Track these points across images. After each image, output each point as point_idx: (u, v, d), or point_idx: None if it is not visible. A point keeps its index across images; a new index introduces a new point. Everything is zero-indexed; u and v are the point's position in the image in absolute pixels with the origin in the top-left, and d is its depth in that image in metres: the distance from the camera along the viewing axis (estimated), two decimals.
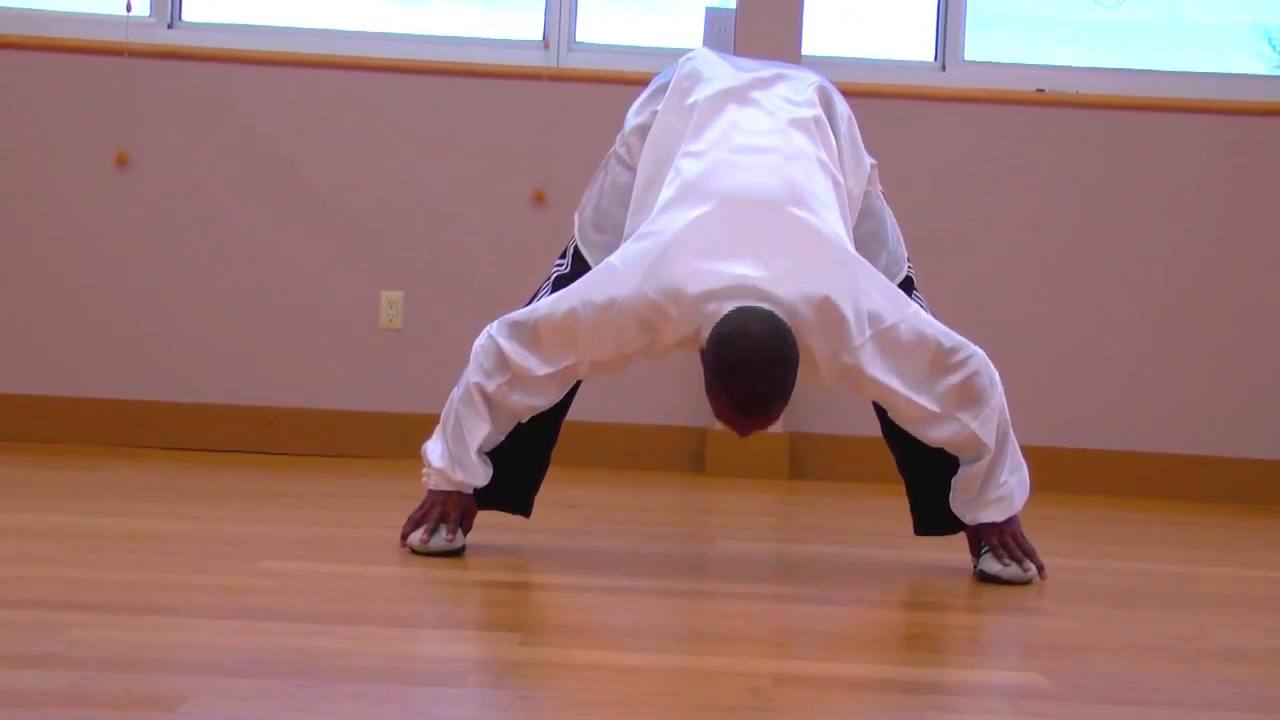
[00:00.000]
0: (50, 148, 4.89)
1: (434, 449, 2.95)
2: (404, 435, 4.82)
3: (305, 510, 3.65)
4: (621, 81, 4.50)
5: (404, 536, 2.95)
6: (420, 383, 4.86)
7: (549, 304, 2.85)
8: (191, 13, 5.07)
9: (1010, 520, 2.96)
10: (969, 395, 2.82)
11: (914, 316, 2.80)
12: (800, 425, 4.89)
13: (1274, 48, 5.64)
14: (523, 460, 3.02)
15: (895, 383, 2.78)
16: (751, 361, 2.62)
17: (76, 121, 4.89)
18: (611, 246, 2.95)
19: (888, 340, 2.76)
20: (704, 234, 2.74)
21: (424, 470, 2.97)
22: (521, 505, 3.11)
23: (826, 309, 2.70)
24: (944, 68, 5.08)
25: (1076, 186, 4.96)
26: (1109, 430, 4.93)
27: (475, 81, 4.93)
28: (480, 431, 2.90)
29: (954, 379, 2.80)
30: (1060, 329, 4.95)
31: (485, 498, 3.00)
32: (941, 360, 2.80)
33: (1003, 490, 2.92)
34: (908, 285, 3.07)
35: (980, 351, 2.84)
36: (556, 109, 4.86)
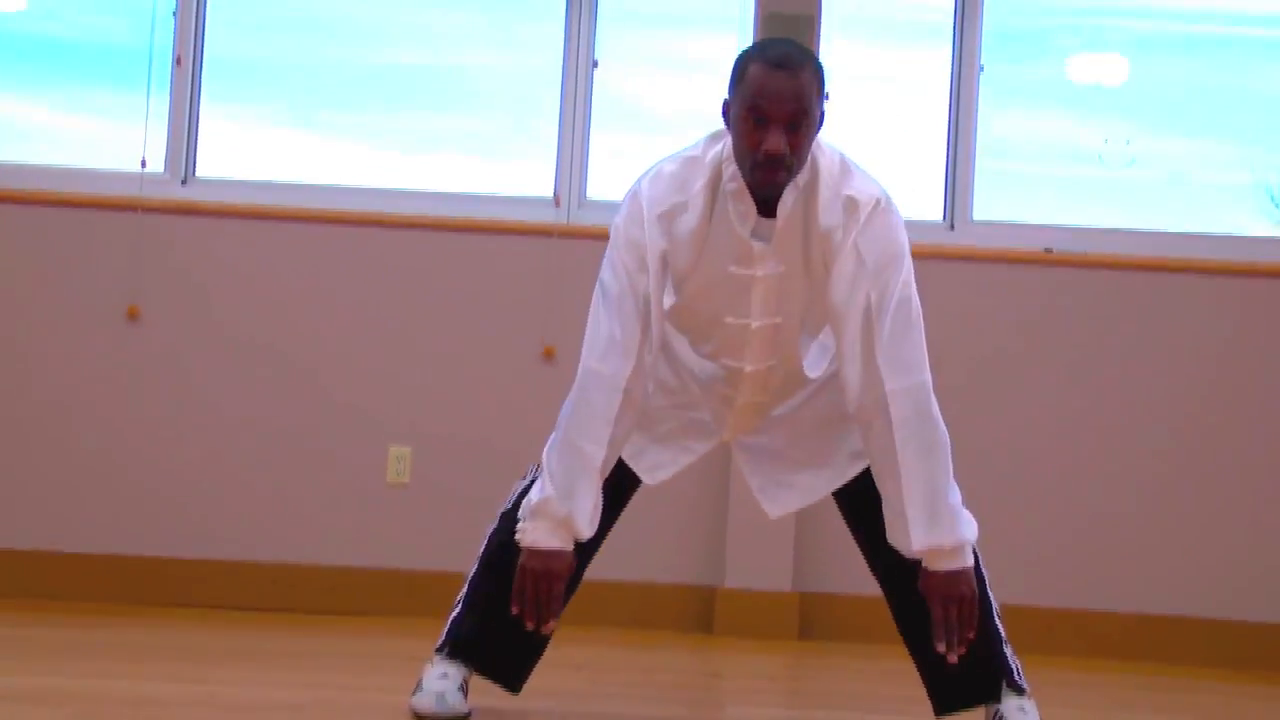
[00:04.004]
0: (62, 302, 4.91)
1: (535, 491, 2.85)
2: (411, 592, 4.79)
3: (309, 672, 3.60)
4: None
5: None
6: (428, 539, 4.82)
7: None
8: (205, 169, 5.12)
9: (965, 574, 2.82)
10: (900, 337, 2.81)
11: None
12: (809, 584, 4.83)
13: (1276, 204, 5.69)
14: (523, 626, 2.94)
15: (861, 264, 2.78)
16: (778, 40, 2.85)
17: (88, 276, 4.91)
18: None
19: (884, 221, 2.81)
20: None
21: (519, 525, 2.87)
22: (513, 678, 3.04)
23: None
24: (952, 227, 5.11)
25: (1085, 346, 4.96)
26: (1117, 591, 4.87)
27: (486, 237, 4.97)
28: (601, 433, 2.81)
29: (901, 313, 2.81)
30: (1067, 487, 4.91)
31: (476, 657, 2.95)
32: (901, 288, 2.81)
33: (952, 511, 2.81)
34: None
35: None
36: (566, 265, 4.89)
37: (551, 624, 2.82)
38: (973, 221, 5.11)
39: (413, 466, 4.90)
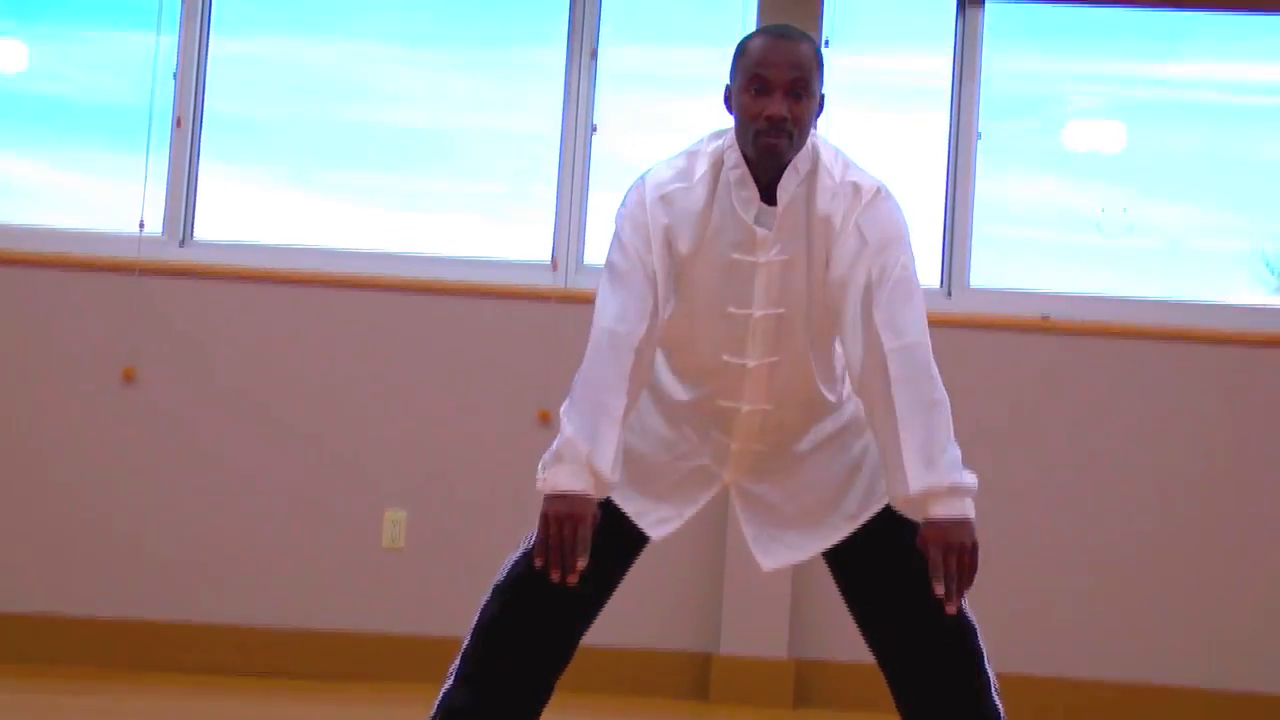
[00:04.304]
0: (58, 363, 4.90)
1: (554, 442, 2.76)
2: (405, 657, 4.76)
3: None
4: None
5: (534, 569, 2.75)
6: (423, 603, 4.80)
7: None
8: (204, 231, 5.13)
9: (966, 524, 2.70)
10: (900, 304, 2.75)
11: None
12: (805, 651, 4.81)
13: (1273, 272, 5.70)
14: (521, 686, 2.86)
15: (864, 242, 2.76)
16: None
17: (85, 337, 4.91)
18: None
19: (886, 205, 2.80)
20: None
21: (538, 476, 2.77)
22: None
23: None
24: (950, 294, 5.11)
25: (1082, 413, 4.95)
26: (1110, 659, 4.85)
27: (483, 301, 4.97)
28: (619, 386, 2.74)
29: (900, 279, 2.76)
30: (1064, 555, 4.89)
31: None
32: (902, 266, 2.77)
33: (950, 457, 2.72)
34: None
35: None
36: (564, 330, 4.89)
37: (581, 565, 2.66)
38: (970, 288, 5.12)
39: (408, 531, 4.88)
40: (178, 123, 5.08)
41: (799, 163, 2.81)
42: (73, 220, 5.17)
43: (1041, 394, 4.97)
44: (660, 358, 3.00)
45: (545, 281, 5.03)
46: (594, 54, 5.12)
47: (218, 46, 5.21)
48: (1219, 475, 4.93)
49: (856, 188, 2.80)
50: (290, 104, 5.42)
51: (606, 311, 2.79)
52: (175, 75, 5.09)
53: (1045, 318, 5.02)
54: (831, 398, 2.98)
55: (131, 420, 4.90)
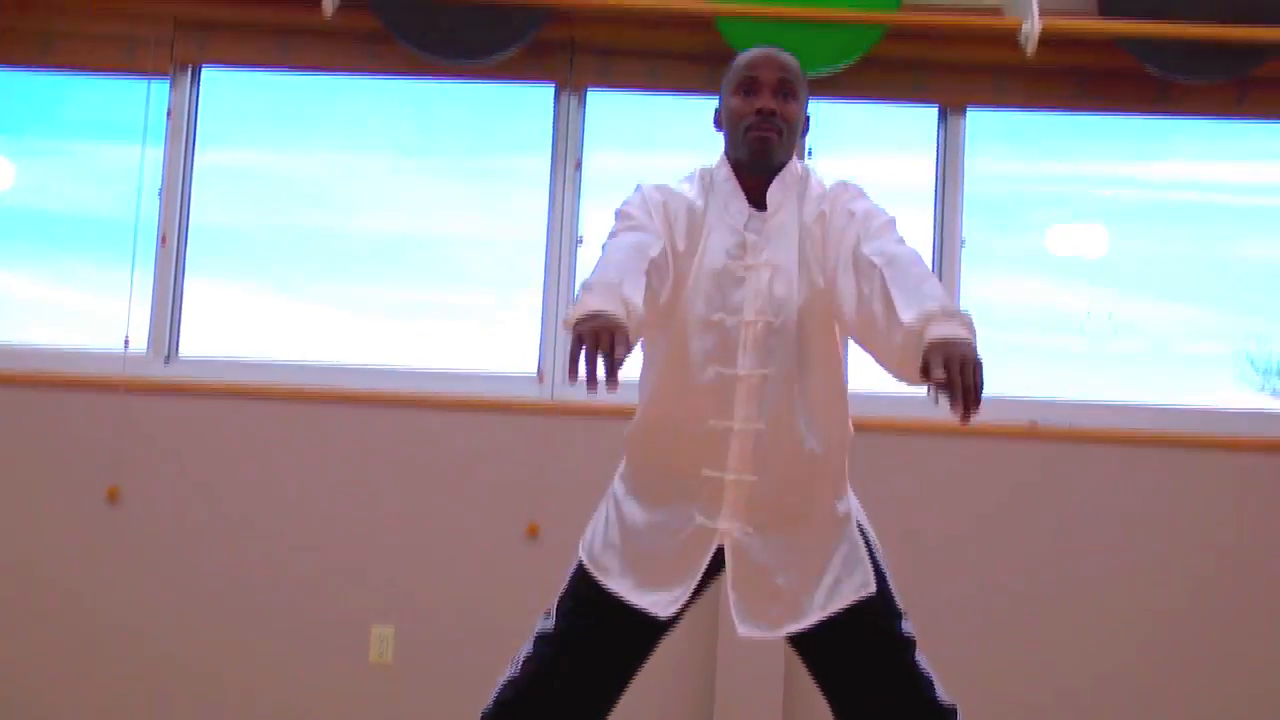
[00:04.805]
0: (41, 482, 4.88)
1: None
2: None
3: None
4: (616, 414, 4.50)
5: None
6: (411, 719, 4.75)
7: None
8: (189, 348, 5.11)
9: (967, 342, 2.52)
10: (883, 231, 2.78)
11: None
12: None
13: (1257, 370, 5.71)
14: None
15: (851, 216, 2.80)
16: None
17: (69, 456, 4.89)
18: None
19: (870, 199, 2.87)
20: None
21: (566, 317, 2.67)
22: None
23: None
24: (936, 401, 5.10)
25: (1069, 519, 4.94)
26: None
27: (469, 414, 4.95)
28: (638, 265, 2.64)
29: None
30: (1050, 660, 4.86)
31: None
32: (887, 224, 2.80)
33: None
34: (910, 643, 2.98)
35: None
36: (551, 442, 4.87)
37: (618, 374, 2.44)
38: None
39: (395, 646, 4.84)
40: (163, 240, 5.08)
41: (788, 174, 2.89)
42: (58, 335, 5.17)
43: (1028, 500, 4.96)
44: (638, 439, 2.96)
45: (532, 394, 5.02)
46: (578, 165, 5.14)
47: (203, 158, 5.23)
48: (1209, 579, 4.91)
49: (844, 184, 2.89)
50: (275, 214, 5.43)
51: (616, 234, 2.79)
52: (160, 192, 5.10)
53: (1033, 424, 5.02)
54: (818, 442, 2.92)
55: (115, 540, 4.86)
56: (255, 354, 5.11)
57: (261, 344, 5.16)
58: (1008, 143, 5.39)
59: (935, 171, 5.23)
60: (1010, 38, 4.84)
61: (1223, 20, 4.84)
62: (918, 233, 5.21)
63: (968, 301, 5.17)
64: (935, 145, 5.24)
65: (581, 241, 5.13)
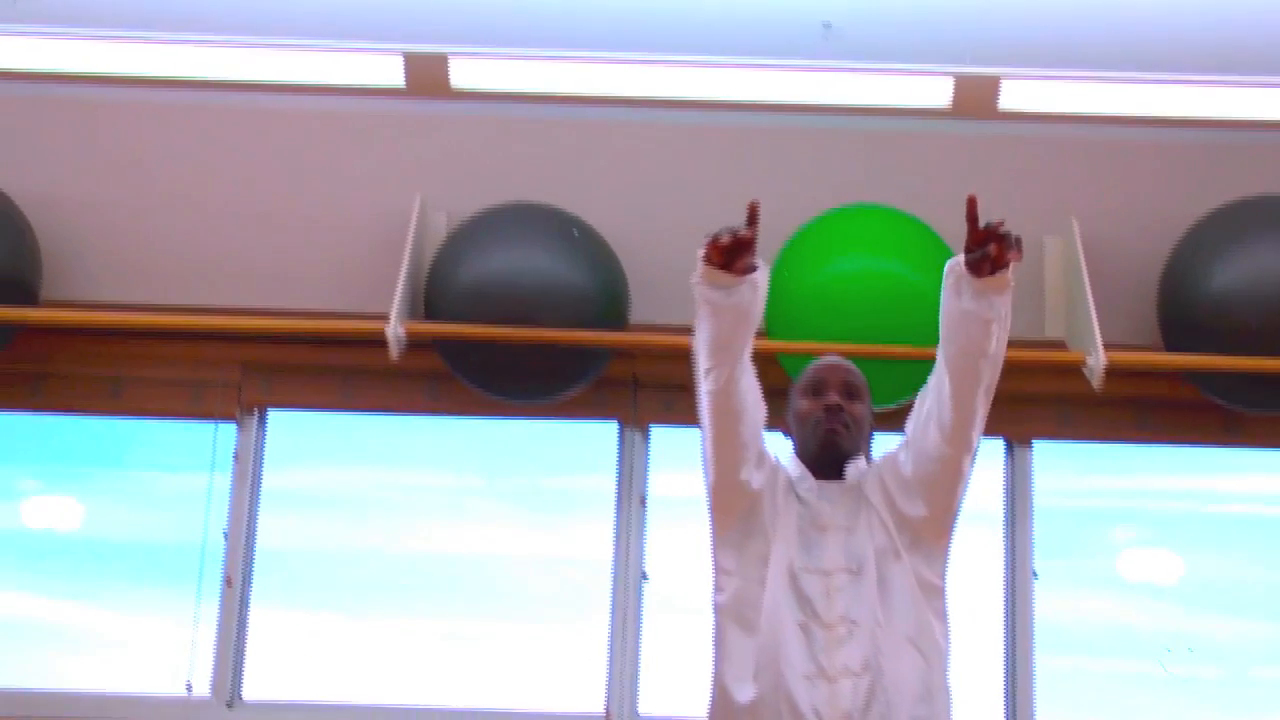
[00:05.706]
0: None
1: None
2: None
3: None
4: None
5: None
6: None
7: None
8: (251, 691, 5.04)
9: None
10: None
11: None
12: None
13: None
14: None
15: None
16: None
17: None
18: None
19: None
20: None
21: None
22: None
23: None
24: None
25: None
26: None
27: None
28: None
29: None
30: None
31: None
32: None
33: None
34: None
35: None
36: None
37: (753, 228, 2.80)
38: None
39: None
40: (228, 582, 5.04)
41: (860, 463, 3.11)
42: (121, 673, 5.09)
43: None
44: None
45: None
46: (643, 501, 5.07)
47: (268, 481, 5.21)
48: None
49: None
50: (336, 536, 5.37)
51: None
52: (225, 533, 5.07)
53: None
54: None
55: None
56: (317, 696, 5.02)
57: (323, 684, 5.07)
58: (1074, 470, 5.31)
59: (1004, 503, 5.15)
60: (1073, 370, 4.79)
61: None
62: (988, 558, 5.13)
63: (1040, 626, 5.06)
64: (1003, 478, 5.17)
65: (646, 578, 5.03)
